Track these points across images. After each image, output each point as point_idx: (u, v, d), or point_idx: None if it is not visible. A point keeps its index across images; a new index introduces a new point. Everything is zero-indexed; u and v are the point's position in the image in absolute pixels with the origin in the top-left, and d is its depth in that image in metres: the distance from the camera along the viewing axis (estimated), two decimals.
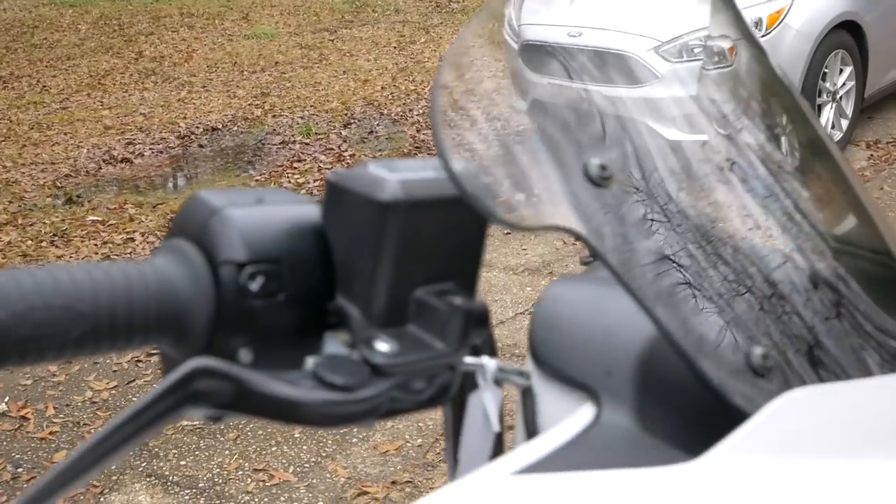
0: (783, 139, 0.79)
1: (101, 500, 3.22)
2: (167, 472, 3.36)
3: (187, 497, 3.22)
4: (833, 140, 0.80)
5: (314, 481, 3.25)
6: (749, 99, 0.82)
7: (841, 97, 6.13)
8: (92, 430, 3.60)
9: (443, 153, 0.54)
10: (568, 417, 0.64)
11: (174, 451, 3.47)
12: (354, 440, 3.44)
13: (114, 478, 3.33)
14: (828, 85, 6.01)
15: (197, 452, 3.45)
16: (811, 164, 0.82)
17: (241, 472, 3.33)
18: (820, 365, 0.64)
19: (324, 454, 3.40)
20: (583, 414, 0.64)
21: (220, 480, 3.30)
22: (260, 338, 0.57)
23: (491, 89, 0.61)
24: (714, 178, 0.71)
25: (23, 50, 10.85)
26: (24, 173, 6.70)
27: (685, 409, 0.62)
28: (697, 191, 0.69)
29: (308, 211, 0.60)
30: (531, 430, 0.69)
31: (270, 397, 0.53)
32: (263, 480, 3.28)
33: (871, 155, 6.16)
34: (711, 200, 0.69)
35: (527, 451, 0.58)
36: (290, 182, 6.28)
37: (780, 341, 0.63)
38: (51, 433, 3.61)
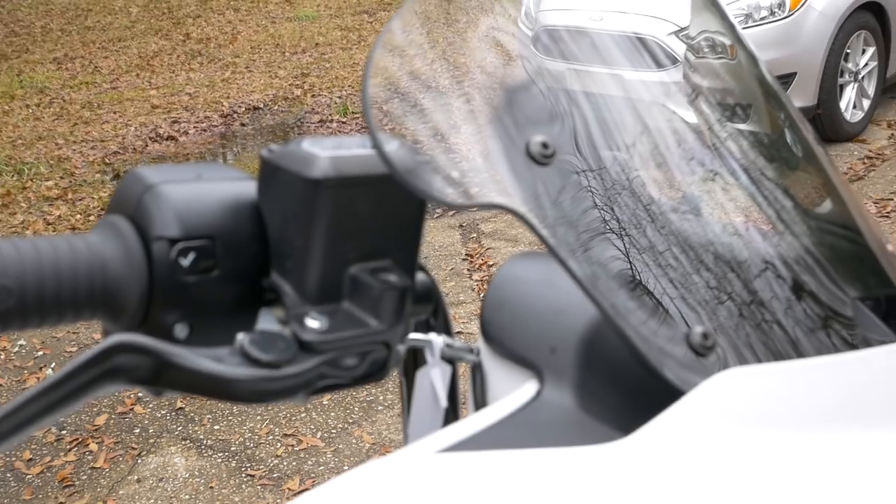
0: (759, 130, 0.77)
1: (139, 461, 3.25)
2: (201, 436, 3.38)
3: (219, 460, 3.24)
4: (813, 135, 0.77)
5: (340, 446, 3.26)
6: (731, 90, 0.79)
7: (863, 77, 6.03)
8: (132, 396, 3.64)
9: (372, 131, 0.52)
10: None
11: (209, 416, 3.50)
12: (380, 408, 3.45)
13: (151, 441, 3.36)
14: (850, 65, 5.91)
15: (230, 418, 3.47)
16: (786, 152, 0.79)
17: (271, 437, 3.35)
18: (762, 345, 0.61)
19: (350, 420, 3.40)
20: (524, 391, 0.62)
21: (251, 444, 3.32)
22: (195, 313, 0.56)
23: (429, 67, 0.59)
24: (668, 153, 0.68)
25: (77, 32, 10.92)
26: (74, 150, 6.76)
27: (626, 388, 0.60)
28: (652, 163, 0.66)
29: (244, 188, 0.58)
30: (479, 406, 0.67)
31: (194, 373, 0.51)
32: (292, 445, 3.29)
33: (892, 134, 6.06)
34: (662, 176, 0.67)
35: (458, 429, 0.56)
36: None
37: (722, 321, 0.61)
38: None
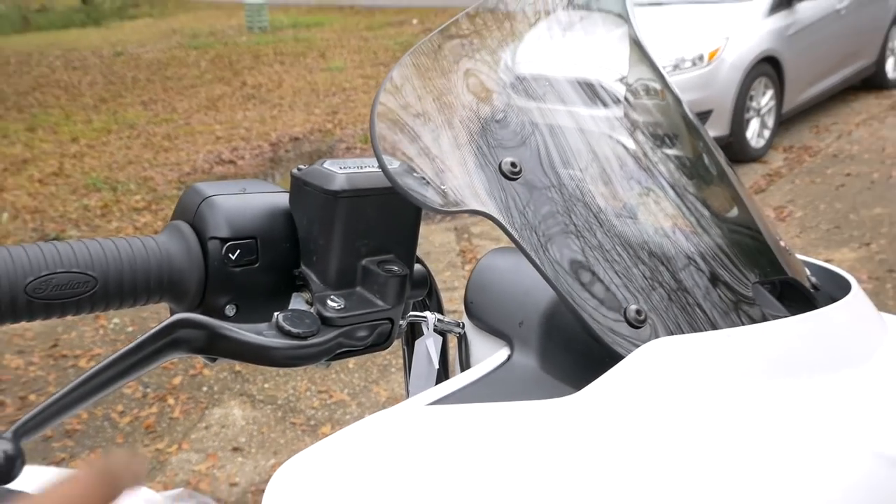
0: (687, 157, 0.76)
1: (206, 412, 3.23)
2: (255, 393, 3.37)
3: (269, 411, 3.22)
4: (724, 158, 0.76)
5: (362, 400, 3.25)
6: (664, 125, 0.78)
7: (764, 113, 6.02)
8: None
9: (378, 155, 0.51)
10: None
11: (260, 377, 3.48)
12: (393, 370, 3.43)
13: (215, 396, 3.34)
14: (754, 104, 5.90)
15: (277, 378, 3.46)
16: (704, 171, 0.78)
17: (308, 393, 3.34)
18: (687, 319, 0.61)
19: (370, 380, 3.39)
20: (498, 356, 0.61)
21: (294, 399, 3.30)
22: (241, 297, 0.55)
23: (422, 105, 0.58)
24: (612, 172, 0.67)
25: (159, 81, 10.88)
26: (157, 171, 6.73)
27: (578, 353, 0.59)
28: (598, 178, 0.65)
29: (279, 199, 0.57)
30: (464, 369, 0.66)
31: (240, 342, 0.51)
32: (325, 399, 3.28)
33: (786, 157, 6.04)
34: (607, 190, 0.66)
35: (445, 387, 0.56)
36: None
37: (653, 302, 0.60)
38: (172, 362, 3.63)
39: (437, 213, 0.52)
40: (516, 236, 0.55)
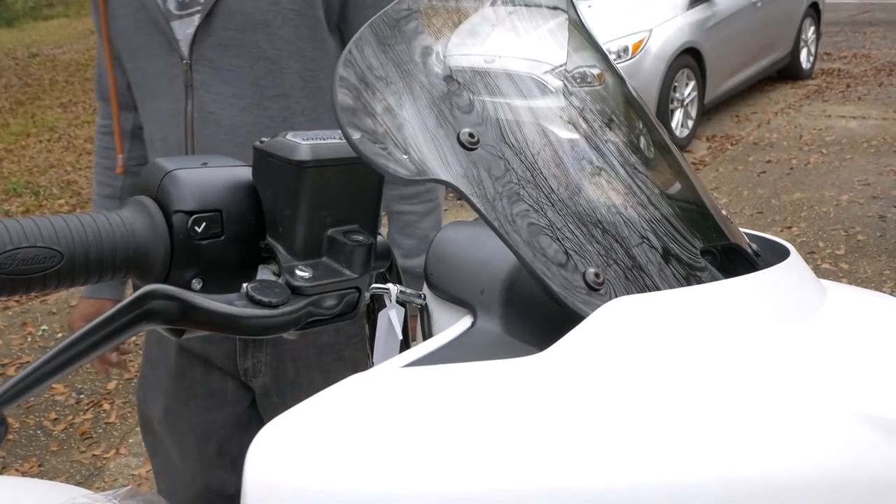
0: (632, 133, 0.78)
1: None
2: None
3: None
4: (670, 137, 0.79)
5: None
6: (607, 106, 0.80)
7: (687, 104, 6.17)
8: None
9: (342, 125, 0.52)
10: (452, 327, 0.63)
11: None
12: None
13: None
14: (677, 95, 6.05)
15: None
16: (652, 149, 0.81)
17: None
18: (642, 282, 0.63)
19: None
20: (462, 323, 0.62)
21: None
22: (207, 270, 0.55)
23: (382, 79, 0.59)
24: (563, 148, 0.69)
25: (78, 83, 10.56)
26: (80, 175, 6.54)
27: (540, 316, 0.61)
28: (550, 153, 0.67)
29: (242, 172, 0.58)
30: (427, 339, 0.68)
31: (212, 313, 0.51)
32: None
33: (710, 146, 6.22)
34: (560, 164, 0.68)
35: (414, 351, 0.57)
36: None
37: (611, 263, 0.62)
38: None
39: (402, 182, 0.53)
40: (478, 204, 0.57)
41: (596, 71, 0.82)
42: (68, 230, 0.50)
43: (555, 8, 0.79)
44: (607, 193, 0.68)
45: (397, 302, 0.66)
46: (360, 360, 1.34)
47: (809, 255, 4.22)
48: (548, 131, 0.68)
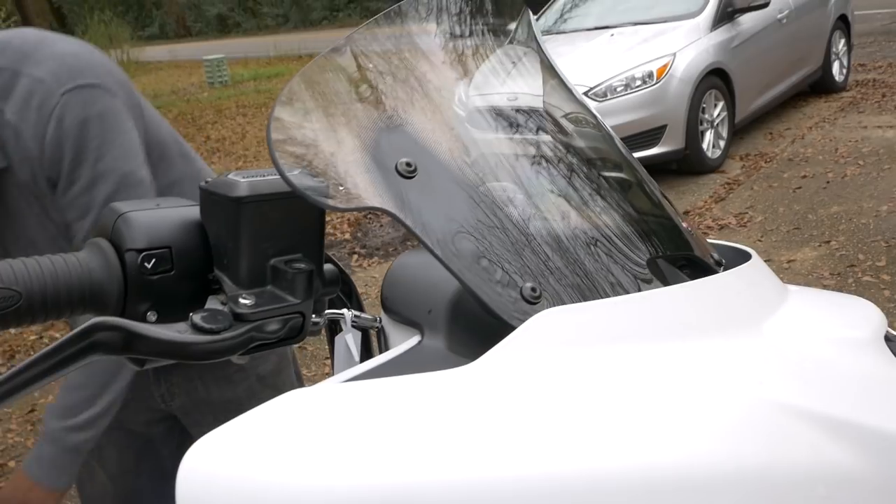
0: (578, 149, 0.80)
1: None
2: None
3: None
4: (623, 146, 0.82)
5: None
6: (553, 123, 0.83)
7: (717, 124, 6.15)
8: None
9: (275, 160, 0.56)
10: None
11: None
12: None
13: None
14: (706, 116, 6.03)
15: None
16: (602, 163, 0.83)
17: None
18: (582, 292, 0.65)
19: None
20: (409, 341, 0.65)
21: None
22: (160, 302, 0.59)
23: (316, 117, 0.63)
24: (507, 164, 0.72)
25: None
26: None
27: (483, 334, 0.64)
28: (490, 174, 0.70)
29: (191, 211, 0.62)
30: None
31: (157, 341, 0.55)
32: None
33: (744, 165, 6.17)
34: (502, 183, 0.71)
35: (359, 368, 0.60)
36: None
37: (550, 279, 0.65)
38: None
39: (337, 210, 0.56)
40: (414, 228, 0.60)
41: (546, 76, 0.84)
42: (26, 271, 0.55)
43: (496, 33, 0.82)
44: (549, 210, 0.70)
45: (354, 326, 0.70)
46: (263, 370, 1.44)
47: (850, 269, 4.14)
48: (488, 154, 0.71)
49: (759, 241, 4.70)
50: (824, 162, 5.93)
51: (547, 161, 0.74)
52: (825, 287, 3.92)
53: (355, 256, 5.37)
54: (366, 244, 5.61)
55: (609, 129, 0.85)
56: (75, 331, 0.52)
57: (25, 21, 16.25)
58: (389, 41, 0.70)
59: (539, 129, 0.78)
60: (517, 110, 0.77)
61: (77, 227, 1.19)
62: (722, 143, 6.19)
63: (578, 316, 0.60)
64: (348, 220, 6.00)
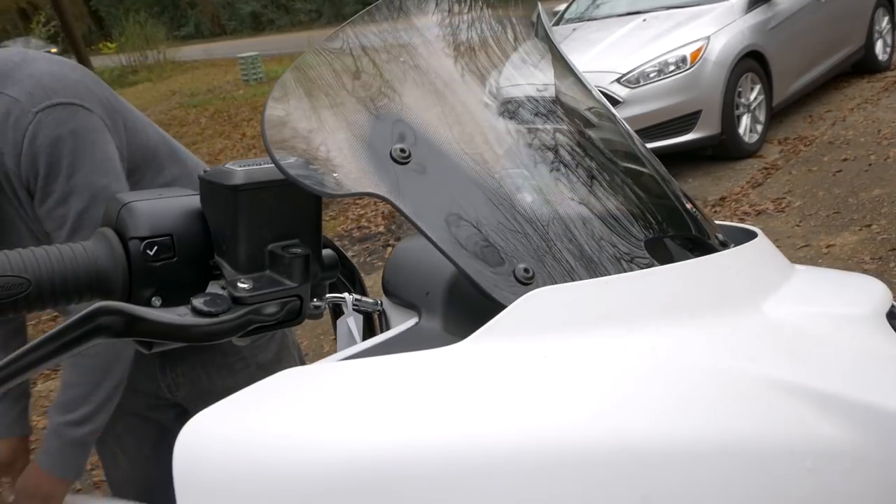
0: (578, 131, 0.81)
1: None
2: None
3: None
4: (626, 127, 0.83)
5: None
6: (552, 106, 0.84)
7: (754, 108, 6.06)
8: None
9: (268, 148, 0.58)
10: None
11: None
12: None
13: None
14: (743, 100, 5.95)
15: None
16: (603, 145, 0.83)
17: None
18: (577, 272, 0.66)
19: None
20: (407, 322, 0.67)
21: None
22: (164, 288, 0.62)
23: (312, 103, 0.65)
24: (503, 149, 0.73)
25: None
26: None
27: (477, 314, 0.65)
28: (486, 157, 0.71)
29: (191, 200, 0.64)
30: None
31: (158, 324, 0.57)
32: None
33: (782, 149, 6.08)
34: (497, 165, 0.72)
35: (356, 348, 0.62)
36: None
37: (544, 260, 0.66)
38: None
39: (331, 196, 0.58)
40: (408, 213, 0.62)
41: (550, 57, 0.85)
42: (35, 260, 0.58)
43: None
44: (544, 192, 0.72)
45: (356, 310, 0.72)
46: (262, 358, 1.49)
47: (891, 252, 4.07)
48: (481, 138, 0.72)
49: (798, 226, 4.64)
50: (866, 144, 5.82)
51: (542, 143, 0.75)
52: (866, 272, 3.85)
53: (389, 249, 5.41)
54: (399, 237, 5.65)
55: (608, 106, 0.86)
56: (79, 314, 0.55)
57: (64, 25, 16.58)
58: (384, 31, 0.71)
59: (534, 111, 0.79)
60: (511, 93, 0.78)
61: (55, 236, 1.26)
62: (759, 128, 6.10)
63: (569, 295, 0.62)
64: (382, 212, 6.04)
